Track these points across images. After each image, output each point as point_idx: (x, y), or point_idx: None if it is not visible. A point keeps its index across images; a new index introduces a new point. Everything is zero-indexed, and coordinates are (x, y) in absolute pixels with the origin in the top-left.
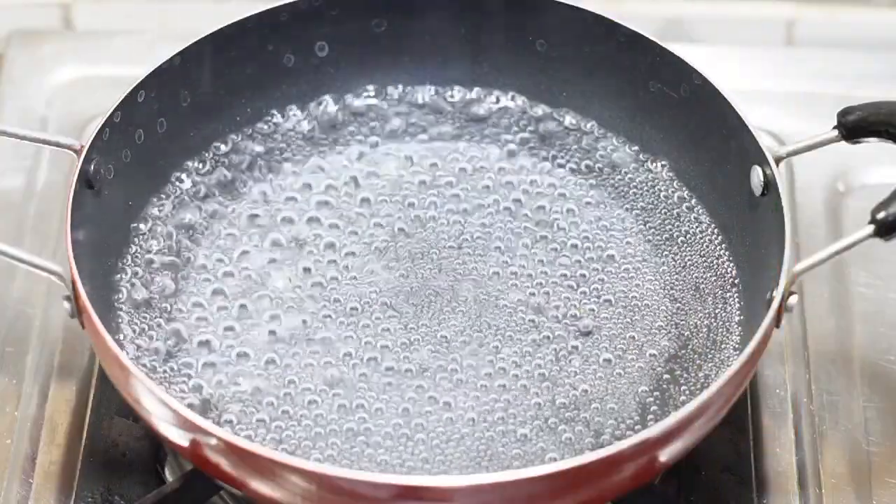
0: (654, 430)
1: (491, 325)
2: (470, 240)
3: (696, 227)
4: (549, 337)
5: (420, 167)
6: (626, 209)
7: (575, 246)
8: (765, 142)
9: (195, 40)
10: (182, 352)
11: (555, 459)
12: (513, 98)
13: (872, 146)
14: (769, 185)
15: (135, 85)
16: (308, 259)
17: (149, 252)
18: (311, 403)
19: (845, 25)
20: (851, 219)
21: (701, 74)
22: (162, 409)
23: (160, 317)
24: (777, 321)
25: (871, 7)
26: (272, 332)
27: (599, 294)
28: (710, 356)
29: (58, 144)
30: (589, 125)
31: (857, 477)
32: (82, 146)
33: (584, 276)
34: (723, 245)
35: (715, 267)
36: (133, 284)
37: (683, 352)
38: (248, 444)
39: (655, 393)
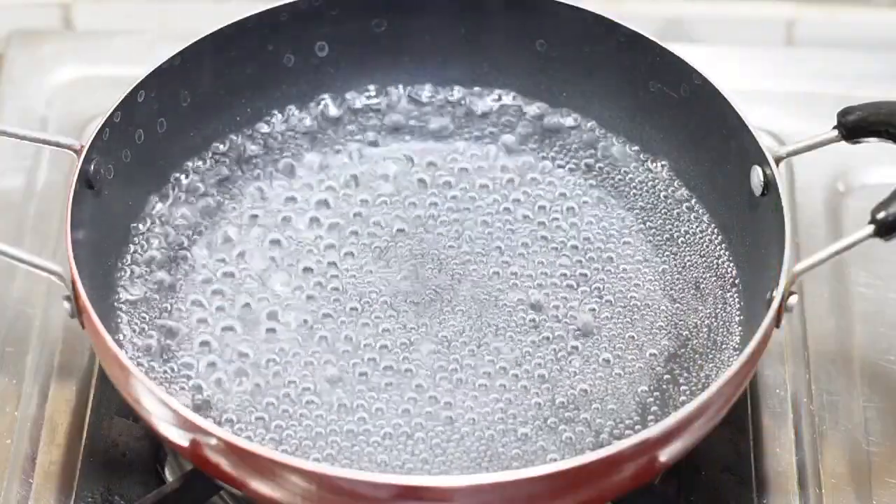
0: (654, 430)
1: (491, 325)
2: (470, 240)
3: (696, 227)
4: (549, 337)
5: (420, 167)
6: (626, 209)
7: (575, 246)
8: (765, 142)
9: (195, 40)
10: (182, 352)
11: (555, 459)
12: (513, 98)
13: (872, 146)
14: (769, 185)
15: (135, 85)
16: (308, 259)
17: (149, 252)
18: (310, 403)
19: (845, 25)
20: (851, 219)
21: (701, 74)
22: (162, 409)
23: (160, 317)
24: (777, 321)
25: (871, 7)
26: (272, 332)
27: (599, 294)
28: (710, 356)
29: (58, 144)
30: (589, 125)
31: (857, 477)
32: (82, 146)
33: (584, 276)
34: (723, 245)
35: (715, 267)
36: (133, 284)
37: (683, 352)
38: (248, 444)
39: (655, 393)
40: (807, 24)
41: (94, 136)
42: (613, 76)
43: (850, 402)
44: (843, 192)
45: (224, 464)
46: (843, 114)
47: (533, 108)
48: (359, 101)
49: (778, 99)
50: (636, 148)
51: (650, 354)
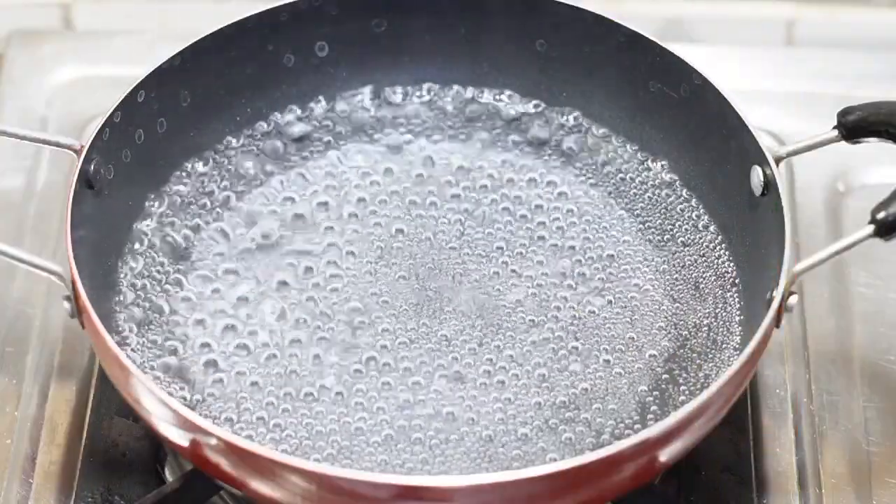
0: (654, 430)
1: (491, 324)
2: (470, 240)
3: (696, 227)
4: (549, 337)
5: (420, 167)
6: (626, 209)
7: (575, 246)
8: (765, 142)
9: (195, 40)
10: (182, 351)
11: (555, 459)
12: (512, 98)
13: (872, 146)
14: (769, 185)
15: (135, 85)
16: (308, 258)
17: (149, 252)
18: (310, 403)
19: (845, 25)
20: (851, 219)
21: (701, 74)
22: (162, 409)
23: (160, 316)
24: (777, 321)
25: (871, 7)
26: (272, 332)
27: (599, 294)
28: (710, 356)
29: (58, 144)
30: (589, 125)
31: (857, 477)
32: (82, 146)
33: (583, 275)
34: (723, 245)
35: (715, 267)
36: (133, 284)
37: (683, 352)
38: (248, 444)
39: (655, 393)
40: (807, 24)
41: (94, 136)
42: (613, 76)
43: (850, 402)
44: (843, 192)
45: (224, 464)
46: (843, 114)
47: (532, 108)
48: (359, 101)
49: (778, 99)
50: (636, 148)
51: (650, 354)
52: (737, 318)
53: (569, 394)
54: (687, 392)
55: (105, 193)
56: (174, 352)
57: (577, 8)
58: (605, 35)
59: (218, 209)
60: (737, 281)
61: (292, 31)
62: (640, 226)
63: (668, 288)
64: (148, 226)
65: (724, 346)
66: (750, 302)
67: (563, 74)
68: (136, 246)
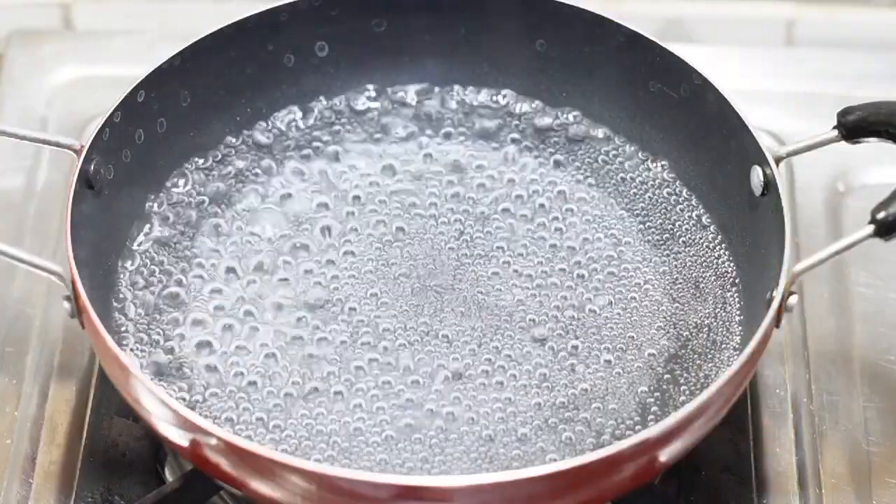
0: (654, 430)
1: (491, 324)
2: (470, 240)
3: (696, 227)
4: (549, 337)
5: (420, 166)
6: (626, 209)
7: (574, 246)
8: (765, 142)
9: (195, 40)
10: (182, 351)
11: (555, 459)
12: (512, 98)
13: (872, 146)
14: (769, 185)
15: (135, 85)
16: (308, 258)
17: (149, 252)
18: (310, 403)
19: (845, 25)
20: (851, 219)
21: (701, 74)
22: (162, 409)
23: (160, 316)
24: (777, 321)
25: (871, 7)
26: (272, 332)
27: (599, 294)
28: (710, 356)
29: (58, 144)
30: (589, 125)
31: (857, 477)
32: (82, 146)
33: (583, 276)
34: (723, 245)
35: (715, 267)
36: (133, 284)
37: (683, 352)
38: (248, 444)
39: (655, 393)
40: (807, 24)
41: (94, 136)
42: (613, 76)
43: (850, 402)
44: (843, 192)
45: (224, 464)
46: (843, 114)
47: (532, 108)
48: (359, 101)
49: (778, 99)
50: (636, 148)
51: (650, 354)
52: (737, 318)
53: (569, 394)
54: (687, 392)
55: (105, 193)
56: (174, 352)
57: (577, 8)
58: (605, 35)
59: (218, 209)
60: (737, 281)
61: (292, 31)
62: (640, 226)
63: (668, 288)
64: (148, 226)
65: (724, 346)
66: (750, 302)
67: (563, 74)
68: (136, 246)
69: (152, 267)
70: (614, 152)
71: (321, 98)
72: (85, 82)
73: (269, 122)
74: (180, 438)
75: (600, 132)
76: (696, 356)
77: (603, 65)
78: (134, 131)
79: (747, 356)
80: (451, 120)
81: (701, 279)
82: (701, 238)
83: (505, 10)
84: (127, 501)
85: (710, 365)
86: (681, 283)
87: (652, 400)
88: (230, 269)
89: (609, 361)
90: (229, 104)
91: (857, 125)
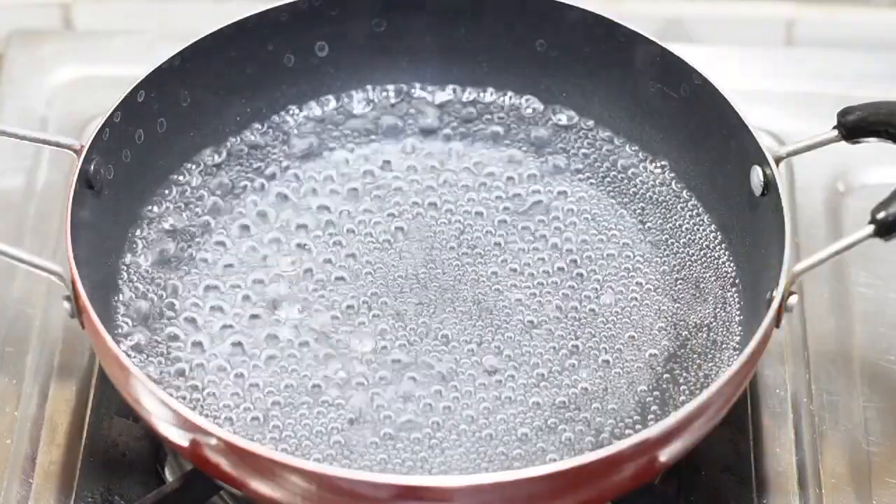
0: (654, 430)
1: (491, 324)
2: (470, 239)
3: (696, 227)
4: (548, 337)
5: (419, 166)
6: (626, 209)
7: (574, 246)
8: (765, 142)
9: (195, 40)
10: (182, 351)
11: (555, 459)
12: (512, 98)
13: (872, 146)
14: (769, 185)
15: (135, 85)
16: (308, 258)
17: (149, 251)
18: (310, 403)
19: (845, 25)
20: (851, 219)
21: (701, 74)
22: (162, 409)
23: (160, 316)
24: (777, 321)
25: (871, 7)
26: (272, 332)
27: (599, 294)
28: (710, 356)
29: (58, 144)
30: (589, 125)
31: (857, 477)
32: (82, 146)
33: (583, 275)
34: (723, 245)
35: (715, 267)
36: (133, 284)
37: (683, 352)
38: (248, 444)
39: (655, 393)
40: (807, 24)
41: (94, 136)
42: (613, 76)
43: (850, 402)
44: (843, 192)
45: (224, 464)
46: (843, 114)
47: (532, 108)
48: (358, 101)
49: (778, 99)
50: (636, 148)
51: (650, 354)
52: (737, 318)
53: (568, 393)
54: (687, 392)
55: (105, 193)
56: (174, 352)
57: (577, 8)
58: (605, 35)
59: (217, 209)
60: (737, 281)
61: (292, 31)
62: (640, 226)
63: (668, 288)
64: (148, 225)
65: (724, 346)
66: (750, 302)
67: (563, 74)
68: (136, 246)
69: (152, 267)
70: (614, 152)
71: (321, 98)
72: (85, 82)
73: (269, 122)
74: (180, 438)
75: (600, 132)
76: (696, 356)
77: (603, 65)
78: (134, 131)
79: (747, 356)
80: (450, 120)
81: (701, 279)
82: (701, 238)
83: (505, 10)
84: (127, 501)
85: (710, 365)
86: (681, 283)
87: (652, 399)
88: (230, 270)
89: (609, 361)
90: (229, 104)
91: (857, 125)
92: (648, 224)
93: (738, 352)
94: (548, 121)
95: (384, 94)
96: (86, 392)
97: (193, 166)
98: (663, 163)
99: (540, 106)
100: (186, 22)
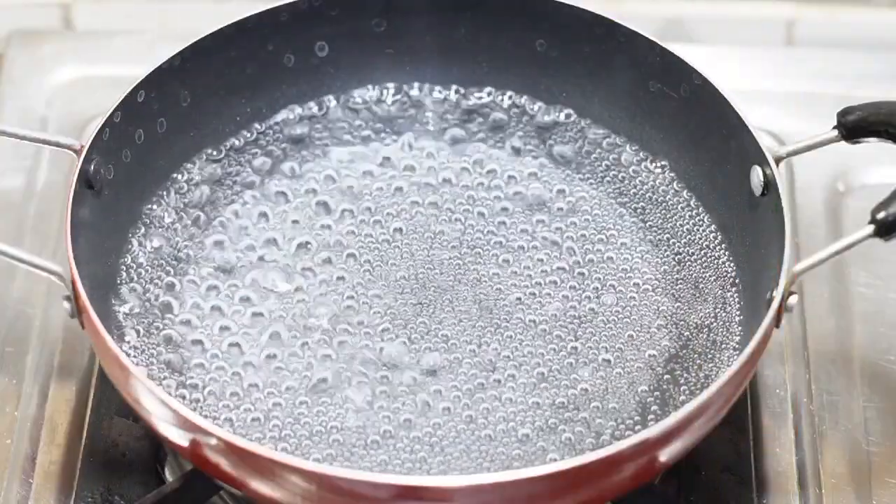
0: (654, 430)
1: (491, 324)
2: (470, 239)
3: (696, 227)
4: (549, 336)
5: (419, 167)
6: (626, 209)
7: (574, 245)
8: (765, 142)
9: (195, 40)
10: (182, 351)
11: (555, 459)
12: (512, 98)
13: (872, 146)
14: (769, 185)
15: (135, 85)
16: (307, 259)
17: (149, 251)
18: (310, 403)
19: (845, 25)
20: (851, 219)
21: (701, 74)
22: (162, 409)
23: (160, 316)
24: (777, 321)
25: (871, 7)
26: (272, 332)
27: (599, 293)
28: (710, 356)
29: (58, 144)
30: (588, 125)
31: (857, 477)
32: (82, 146)
33: (583, 275)
34: (723, 245)
35: (715, 266)
36: (133, 284)
37: (683, 352)
38: (248, 444)
39: (655, 393)
40: (807, 24)
41: (94, 136)
42: (613, 76)
43: (850, 402)
44: (843, 192)
45: (224, 464)
46: (843, 114)
47: (532, 108)
48: (358, 100)
49: (778, 99)
50: (636, 148)
51: (650, 354)
52: (737, 318)
53: (568, 393)
54: (687, 392)
55: (105, 193)
56: (174, 352)
57: (577, 8)
58: (605, 35)
59: (217, 209)
60: (737, 281)
61: (292, 31)
62: (641, 226)
63: (668, 288)
64: (148, 226)
65: (724, 346)
66: (750, 302)
67: (563, 74)
68: (136, 245)
69: (152, 267)
70: (614, 152)
71: (321, 98)
72: (85, 82)
73: (269, 122)
74: (180, 438)
75: (600, 132)
76: (696, 356)
77: (603, 65)
78: (134, 131)
79: (747, 356)
80: (450, 120)
81: (701, 279)
82: (701, 238)
83: (505, 10)
84: (127, 501)
85: (710, 365)
86: (681, 283)
87: (652, 400)
88: (229, 270)
89: (609, 361)
90: (229, 104)
91: (857, 125)
92: (648, 224)
93: (738, 352)
94: (547, 120)
95: (384, 93)
96: (86, 392)
97: (193, 166)
98: (663, 163)
99: (540, 106)
100: (186, 22)
